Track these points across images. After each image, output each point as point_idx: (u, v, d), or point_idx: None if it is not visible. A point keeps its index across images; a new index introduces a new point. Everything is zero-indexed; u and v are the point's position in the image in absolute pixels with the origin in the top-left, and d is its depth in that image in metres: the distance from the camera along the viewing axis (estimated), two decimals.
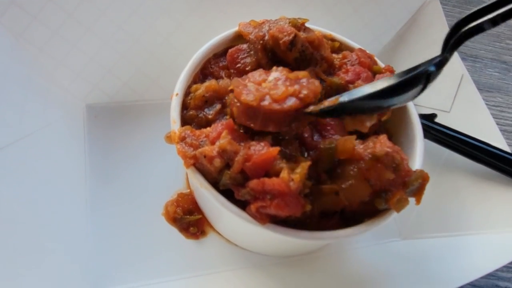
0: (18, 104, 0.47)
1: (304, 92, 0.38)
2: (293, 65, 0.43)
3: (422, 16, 0.66)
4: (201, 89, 0.44)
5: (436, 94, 0.59)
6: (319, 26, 0.51)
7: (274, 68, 0.41)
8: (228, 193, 0.40)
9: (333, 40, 0.51)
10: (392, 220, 0.42)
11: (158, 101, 0.60)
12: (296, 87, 0.38)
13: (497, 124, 0.59)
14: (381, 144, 0.40)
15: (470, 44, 0.81)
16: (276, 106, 0.37)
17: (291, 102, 0.37)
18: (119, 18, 0.54)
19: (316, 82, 0.39)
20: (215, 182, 0.40)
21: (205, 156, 0.37)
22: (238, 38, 0.49)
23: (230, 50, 0.47)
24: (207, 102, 0.44)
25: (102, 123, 0.58)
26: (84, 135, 0.56)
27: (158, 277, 0.48)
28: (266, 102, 0.38)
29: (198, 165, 0.39)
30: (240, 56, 0.46)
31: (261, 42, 0.44)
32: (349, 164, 0.40)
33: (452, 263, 0.49)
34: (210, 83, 0.45)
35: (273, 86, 0.39)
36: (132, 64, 0.58)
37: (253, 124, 0.39)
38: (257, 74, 0.41)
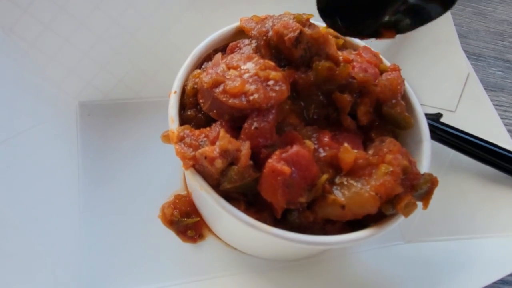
0: (8, 101, 0.45)
1: (255, 96, 0.36)
2: (298, 63, 0.41)
3: None
4: (189, 84, 0.43)
5: (441, 93, 0.58)
6: (322, 22, 0.49)
7: (256, 58, 0.40)
8: (227, 196, 0.38)
9: (337, 37, 0.49)
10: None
11: (155, 98, 0.58)
12: (253, 87, 0.36)
13: None
14: (390, 152, 0.38)
15: (472, 42, 0.80)
16: (222, 98, 0.37)
17: (237, 100, 0.36)
18: (114, 12, 0.52)
19: (284, 87, 0.37)
20: (214, 184, 0.38)
21: (205, 157, 0.35)
22: (239, 33, 0.47)
23: (231, 44, 0.45)
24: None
25: (95, 121, 0.56)
26: (77, 134, 0.54)
27: (153, 282, 0.46)
28: (217, 90, 0.37)
29: (198, 166, 0.37)
30: (242, 48, 0.44)
31: (264, 38, 0.42)
32: (357, 176, 0.38)
33: (458, 268, 0.47)
34: (198, 73, 0.43)
35: (234, 77, 0.37)
36: (127, 60, 0.56)
37: (203, 104, 0.39)
38: (237, 58, 0.40)
